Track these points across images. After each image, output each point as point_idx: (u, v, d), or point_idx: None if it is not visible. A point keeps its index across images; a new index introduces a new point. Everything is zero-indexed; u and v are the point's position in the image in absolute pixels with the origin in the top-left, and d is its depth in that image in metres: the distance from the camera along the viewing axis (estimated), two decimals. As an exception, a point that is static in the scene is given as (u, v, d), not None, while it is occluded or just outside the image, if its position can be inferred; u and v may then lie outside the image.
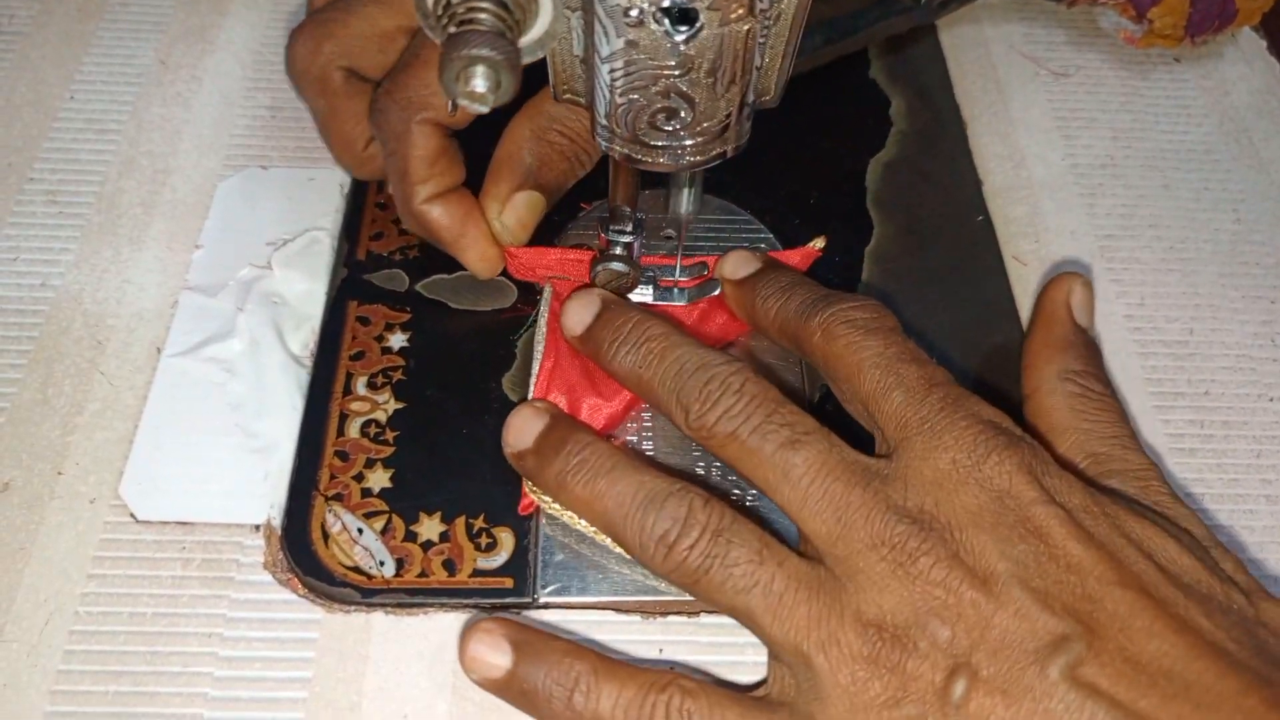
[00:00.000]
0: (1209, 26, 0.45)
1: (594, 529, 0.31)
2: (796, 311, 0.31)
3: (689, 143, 0.29)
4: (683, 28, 0.25)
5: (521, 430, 0.31)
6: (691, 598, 0.30)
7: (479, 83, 0.22)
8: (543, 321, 0.35)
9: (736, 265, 0.35)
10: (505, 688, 0.28)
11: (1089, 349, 0.32)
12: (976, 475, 0.27)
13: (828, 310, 0.31)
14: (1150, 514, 0.27)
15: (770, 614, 0.26)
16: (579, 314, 0.33)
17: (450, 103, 0.24)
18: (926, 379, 0.29)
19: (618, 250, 0.34)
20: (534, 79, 0.28)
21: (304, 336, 0.37)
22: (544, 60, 0.28)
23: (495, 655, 0.27)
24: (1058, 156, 0.44)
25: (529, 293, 0.38)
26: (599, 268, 0.34)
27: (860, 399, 0.30)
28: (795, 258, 0.36)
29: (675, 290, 0.36)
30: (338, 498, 0.33)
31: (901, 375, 0.29)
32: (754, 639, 0.30)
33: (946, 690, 0.25)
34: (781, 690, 0.27)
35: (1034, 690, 0.24)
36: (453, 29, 0.23)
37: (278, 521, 0.33)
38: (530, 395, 0.33)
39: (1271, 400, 0.37)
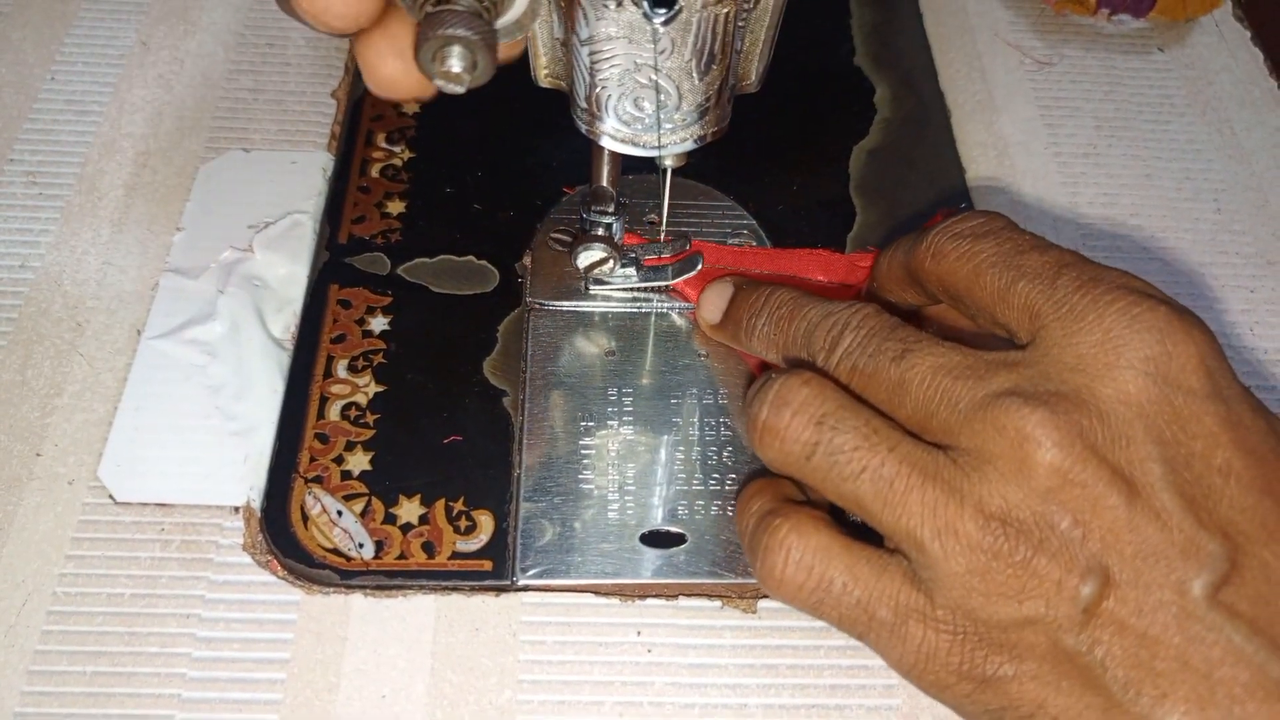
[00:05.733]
0: (1122, 4, 0.46)
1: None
2: (907, 250, 0.30)
3: (669, 126, 0.29)
4: (661, 10, 0.25)
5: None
6: (671, 579, 0.31)
7: (454, 63, 0.22)
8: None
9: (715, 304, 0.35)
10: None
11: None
12: (1130, 356, 0.24)
13: (931, 234, 0.29)
14: None
15: (880, 500, 0.25)
16: (715, 302, 0.34)
17: None
18: (1054, 262, 0.26)
19: (599, 231, 0.34)
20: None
21: (285, 319, 0.37)
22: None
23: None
24: (1041, 145, 0.44)
25: (510, 277, 0.38)
26: (579, 250, 0.34)
27: (985, 309, 0.27)
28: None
29: (659, 268, 0.36)
30: (317, 480, 0.33)
31: (1023, 266, 0.26)
32: (733, 622, 0.30)
33: (1075, 592, 0.23)
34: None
35: (1171, 605, 0.23)
36: (430, 8, 0.23)
37: (257, 503, 0.33)
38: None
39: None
